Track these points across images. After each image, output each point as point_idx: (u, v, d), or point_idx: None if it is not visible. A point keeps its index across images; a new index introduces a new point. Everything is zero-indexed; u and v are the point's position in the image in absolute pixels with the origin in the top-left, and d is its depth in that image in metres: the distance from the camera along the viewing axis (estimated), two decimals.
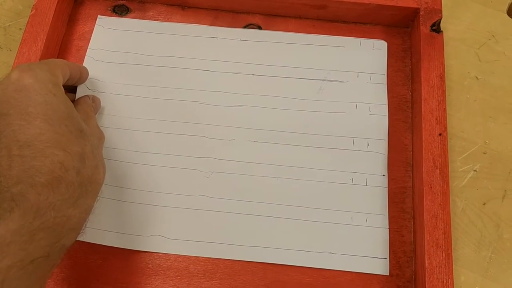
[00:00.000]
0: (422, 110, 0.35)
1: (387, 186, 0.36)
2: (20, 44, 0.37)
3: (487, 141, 0.39)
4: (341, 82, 0.39)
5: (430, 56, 0.37)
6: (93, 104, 0.35)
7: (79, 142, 0.28)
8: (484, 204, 0.37)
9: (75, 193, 0.26)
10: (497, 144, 0.39)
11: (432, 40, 0.37)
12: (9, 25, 0.43)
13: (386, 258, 0.34)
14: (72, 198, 0.26)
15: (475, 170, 0.38)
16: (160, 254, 0.34)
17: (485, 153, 0.38)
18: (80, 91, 0.37)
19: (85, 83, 0.38)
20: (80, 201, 0.27)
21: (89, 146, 0.28)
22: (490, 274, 0.35)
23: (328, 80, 0.39)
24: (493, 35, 0.42)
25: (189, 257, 0.34)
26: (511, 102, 0.40)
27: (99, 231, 0.34)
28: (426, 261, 0.31)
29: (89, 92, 0.38)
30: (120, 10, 0.42)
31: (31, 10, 0.38)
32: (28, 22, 0.38)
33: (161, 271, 0.33)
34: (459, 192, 0.37)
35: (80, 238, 0.34)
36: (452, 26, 0.42)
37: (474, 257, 0.35)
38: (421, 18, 0.38)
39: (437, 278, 0.31)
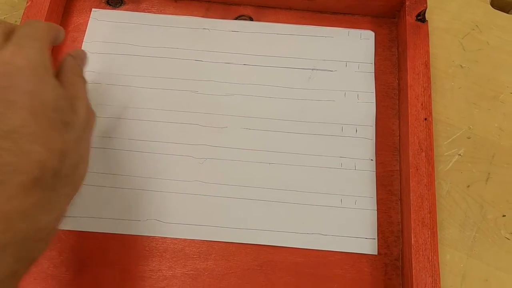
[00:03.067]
0: (408, 96, 0.36)
1: (375, 170, 0.37)
2: None
3: (471, 127, 0.40)
4: (330, 71, 0.40)
5: (415, 45, 0.38)
6: (81, 64, 0.31)
7: (62, 137, 0.25)
8: (468, 186, 0.38)
9: (50, 198, 0.24)
10: (481, 129, 0.40)
11: (417, 29, 0.39)
12: (4, 17, 0.43)
13: (374, 238, 0.35)
14: (47, 203, 0.24)
15: (459, 154, 0.39)
16: (156, 238, 0.35)
17: (469, 138, 0.40)
18: None
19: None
20: (55, 206, 0.24)
21: (73, 141, 0.26)
22: (475, 253, 0.36)
23: (317, 70, 0.40)
24: (476, 25, 0.44)
25: (185, 240, 0.35)
26: (494, 89, 0.41)
27: (96, 219, 0.35)
28: (413, 239, 0.32)
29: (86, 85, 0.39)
30: (114, 2, 0.42)
31: (27, 2, 0.39)
32: (23, 13, 0.39)
33: (158, 253, 0.34)
34: (444, 175, 0.38)
35: (77, 228, 0.35)
36: (437, 17, 0.44)
37: (459, 237, 0.37)
38: (407, 9, 0.39)
39: (423, 255, 0.32)
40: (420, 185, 0.34)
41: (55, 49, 0.41)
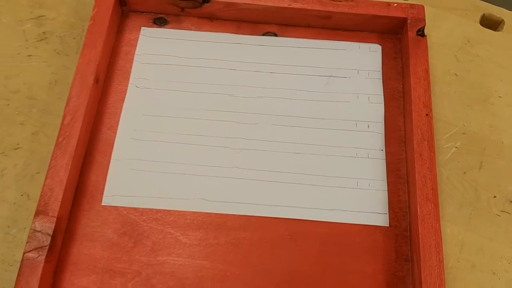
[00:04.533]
0: (412, 96, 0.44)
1: (385, 158, 0.44)
2: (82, 48, 0.45)
3: (465, 124, 0.47)
4: (344, 77, 0.48)
5: (416, 55, 0.46)
6: None
7: None
8: (465, 173, 0.45)
9: None
10: (474, 126, 0.47)
11: (418, 42, 0.46)
12: (64, 35, 0.51)
13: (386, 213, 0.42)
14: None
15: (456, 147, 0.46)
16: (203, 213, 0.42)
17: (464, 134, 0.47)
18: (131, 89, 0.46)
19: (133, 82, 0.47)
20: None
21: None
22: (471, 227, 0.43)
23: (333, 76, 0.48)
24: (468, 41, 0.51)
25: (226, 215, 0.41)
26: (484, 93, 0.49)
27: (152, 198, 0.42)
28: (418, 211, 0.39)
29: (138, 90, 0.46)
30: (159, 22, 0.50)
31: (90, 21, 0.46)
32: (88, 30, 0.46)
33: (204, 226, 0.41)
34: (444, 164, 0.45)
35: (136, 205, 0.42)
36: (434, 33, 0.51)
37: (457, 214, 0.43)
38: (408, 26, 0.47)
39: (427, 223, 0.38)
40: (424, 168, 0.41)
41: (111, 61, 0.48)
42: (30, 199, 0.43)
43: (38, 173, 0.44)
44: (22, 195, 0.43)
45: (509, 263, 0.41)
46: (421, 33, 0.47)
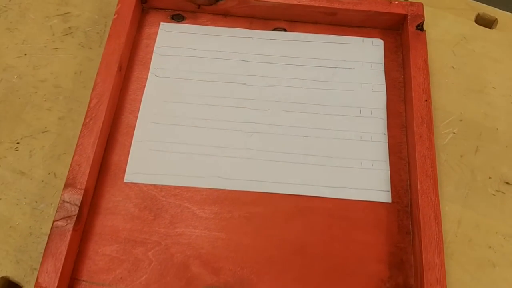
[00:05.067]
0: (412, 84, 0.47)
1: (387, 141, 0.47)
2: (107, 39, 0.49)
3: (462, 112, 0.50)
4: (349, 69, 0.51)
5: (416, 47, 0.49)
6: None
7: None
8: (462, 156, 0.48)
9: None
10: (470, 114, 0.50)
11: (417, 36, 0.50)
12: (88, 30, 0.55)
13: (388, 191, 0.45)
14: None
15: (454, 133, 0.49)
16: (218, 190, 0.45)
17: (461, 121, 0.50)
18: (151, 78, 0.49)
19: (153, 71, 0.50)
20: None
21: None
22: (468, 205, 0.46)
23: (339, 68, 0.51)
24: (464, 37, 0.55)
25: (240, 191, 0.45)
26: (480, 84, 0.52)
27: (171, 175, 0.45)
28: (419, 186, 0.42)
29: (157, 78, 0.50)
30: (177, 18, 0.54)
31: (114, 15, 0.50)
32: (112, 23, 0.50)
33: (219, 201, 0.44)
34: (442, 148, 0.48)
35: (156, 182, 0.45)
36: (433, 31, 0.55)
37: (455, 194, 0.46)
38: (408, 21, 0.51)
39: (427, 197, 0.41)
40: (423, 148, 0.44)
41: (133, 52, 0.52)
42: (57, 177, 0.46)
43: (64, 154, 0.47)
44: (49, 174, 0.46)
45: (504, 238, 0.44)
46: (420, 27, 0.50)
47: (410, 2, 0.52)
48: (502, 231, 0.45)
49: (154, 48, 0.52)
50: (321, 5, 0.51)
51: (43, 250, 0.41)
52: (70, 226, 0.40)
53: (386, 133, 0.48)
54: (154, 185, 0.45)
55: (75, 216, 0.40)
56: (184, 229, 0.43)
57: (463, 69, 0.53)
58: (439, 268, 0.39)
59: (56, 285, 0.38)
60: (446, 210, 0.45)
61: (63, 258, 0.39)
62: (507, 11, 0.57)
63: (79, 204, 0.41)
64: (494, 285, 0.42)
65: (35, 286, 0.38)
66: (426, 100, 0.46)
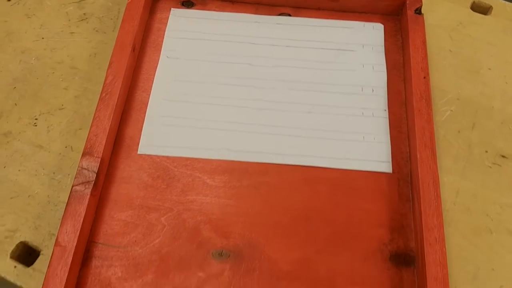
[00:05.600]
0: (411, 63, 0.50)
1: (387, 117, 0.50)
2: (122, 21, 0.52)
3: (459, 91, 0.53)
4: (351, 51, 0.54)
5: (415, 29, 0.52)
6: None
7: None
8: (459, 132, 0.50)
9: None
10: (467, 93, 0.53)
11: (416, 19, 0.53)
12: (102, 16, 0.58)
13: (389, 162, 0.47)
14: None
15: (451, 110, 0.52)
16: (227, 161, 0.47)
17: (458, 99, 0.52)
18: (163, 59, 0.52)
19: (164, 53, 0.53)
20: None
21: None
22: (465, 176, 0.48)
23: (341, 50, 0.54)
24: (460, 23, 0.58)
25: (248, 162, 0.47)
26: (476, 66, 0.55)
27: (183, 148, 0.47)
28: (418, 155, 0.44)
29: (169, 59, 0.53)
30: (187, 4, 0.57)
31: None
32: (126, 8, 0.52)
33: (228, 171, 0.46)
34: (441, 124, 0.51)
35: (167, 154, 0.47)
36: (431, 17, 0.58)
37: (453, 166, 0.48)
38: (407, 5, 0.53)
39: (426, 165, 0.44)
40: (422, 120, 0.46)
41: (145, 35, 0.54)
42: (73, 150, 0.49)
43: (80, 129, 0.50)
44: (66, 147, 0.49)
45: (500, 207, 0.46)
46: (418, 11, 0.53)
47: None
48: (499, 200, 0.47)
49: (166, 32, 0.55)
50: None
51: (61, 217, 0.43)
52: (88, 191, 0.42)
53: (387, 109, 0.50)
54: (166, 157, 0.47)
55: (93, 182, 0.43)
56: (195, 197, 0.45)
57: (459, 52, 0.55)
58: (438, 230, 0.41)
59: (75, 244, 0.40)
60: (445, 181, 0.47)
61: (81, 220, 0.41)
62: None
63: (96, 171, 0.43)
64: (491, 250, 0.44)
65: (55, 245, 0.40)
66: (424, 77, 0.49)
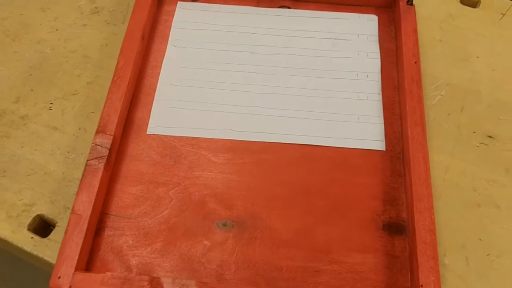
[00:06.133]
0: (403, 49, 0.53)
1: (381, 100, 0.53)
2: (132, 13, 0.55)
3: (449, 78, 0.56)
4: (347, 40, 0.57)
5: (406, 19, 0.55)
6: None
7: None
8: (448, 114, 0.54)
9: None
10: (456, 79, 0.56)
11: (407, 9, 0.56)
12: (112, 9, 0.61)
13: (382, 140, 0.50)
14: None
15: (441, 95, 0.55)
16: (230, 140, 0.50)
17: (448, 85, 0.56)
18: (170, 48, 0.55)
19: (171, 42, 0.56)
20: None
21: None
22: (454, 155, 0.51)
23: (338, 39, 0.57)
24: (450, 15, 0.61)
25: (250, 141, 0.50)
26: (464, 54, 0.58)
27: (189, 128, 0.50)
28: (409, 132, 0.47)
29: (176, 49, 0.56)
30: None
31: None
32: (135, 2, 0.56)
33: (232, 149, 0.49)
34: (431, 107, 0.54)
35: (175, 134, 0.50)
36: (422, 9, 0.61)
37: (443, 145, 0.51)
38: None
39: (416, 141, 0.47)
40: (413, 101, 0.49)
41: (154, 27, 0.58)
42: (86, 132, 0.52)
43: (92, 112, 0.53)
44: (79, 129, 0.52)
45: (488, 182, 0.49)
46: (410, 2, 0.56)
47: None
48: (486, 176, 0.50)
49: (172, 23, 0.58)
50: None
51: (75, 192, 0.46)
52: (101, 165, 0.45)
53: (381, 93, 0.53)
54: (174, 136, 0.50)
55: (106, 157, 0.46)
56: (201, 173, 0.48)
57: (449, 42, 0.59)
58: (427, 199, 0.44)
59: (89, 213, 0.43)
60: (435, 160, 0.50)
61: (95, 191, 0.44)
62: None
63: (109, 147, 0.46)
64: (478, 222, 0.47)
65: (71, 214, 0.43)
66: (415, 62, 0.52)
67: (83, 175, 0.45)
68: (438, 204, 0.48)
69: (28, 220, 0.47)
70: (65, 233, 0.42)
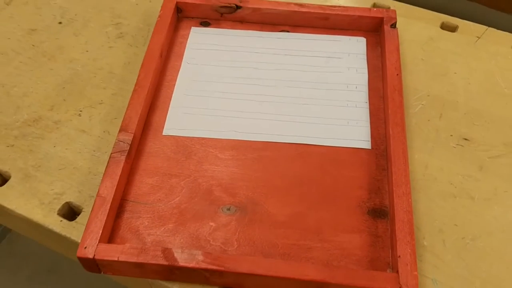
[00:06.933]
0: (387, 64, 0.61)
1: (368, 107, 0.60)
2: (152, 34, 0.64)
3: (429, 90, 0.63)
4: (339, 58, 0.65)
5: (390, 38, 0.63)
6: None
7: None
8: (428, 120, 0.61)
9: None
10: (436, 91, 0.63)
11: (391, 31, 0.64)
12: (135, 34, 0.70)
13: (368, 140, 0.57)
14: None
15: (422, 104, 0.62)
16: (234, 140, 0.57)
17: (428, 96, 0.63)
18: (184, 65, 0.64)
19: (185, 60, 0.65)
20: None
21: None
22: (433, 155, 0.57)
23: (331, 57, 0.65)
24: (431, 38, 0.69)
25: (252, 141, 0.57)
26: (444, 70, 0.65)
27: (197, 130, 0.58)
28: (391, 131, 0.54)
29: (190, 66, 0.65)
30: (204, 24, 0.69)
31: (158, 18, 0.66)
32: (156, 24, 0.65)
33: (236, 147, 0.57)
34: (413, 114, 0.61)
35: (184, 135, 0.58)
36: (406, 34, 0.69)
37: (423, 146, 0.58)
38: (384, 22, 0.65)
39: (397, 139, 0.53)
40: (394, 106, 0.57)
41: (170, 48, 0.67)
42: (110, 134, 0.60)
43: (115, 118, 0.61)
44: (104, 132, 0.60)
45: (463, 177, 0.56)
46: (393, 26, 0.65)
47: (386, 9, 0.67)
48: (462, 172, 0.56)
49: (187, 45, 0.67)
50: (317, 11, 0.66)
51: (99, 183, 0.53)
52: (123, 158, 0.53)
53: (368, 101, 0.61)
54: (186, 137, 0.58)
55: (127, 151, 0.53)
56: (208, 167, 0.55)
57: (430, 60, 0.67)
58: (405, 186, 0.50)
59: (112, 197, 0.50)
60: (416, 158, 0.57)
61: (117, 179, 0.51)
62: (467, 20, 0.71)
63: (129, 143, 0.54)
64: (454, 210, 0.53)
65: (96, 196, 0.50)
66: (397, 74, 0.59)
67: (107, 166, 0.52)
68: (418, 195, 0.54)
69: (58, 207, 0.54)
70: (91, 212, 0.49)
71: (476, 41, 0.69)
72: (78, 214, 0.54)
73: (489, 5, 0.78)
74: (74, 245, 0.52)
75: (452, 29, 0.70)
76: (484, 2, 0.77)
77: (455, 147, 0.58)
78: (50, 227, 0.53)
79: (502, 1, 0.76)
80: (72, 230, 0.52)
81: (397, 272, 0.45)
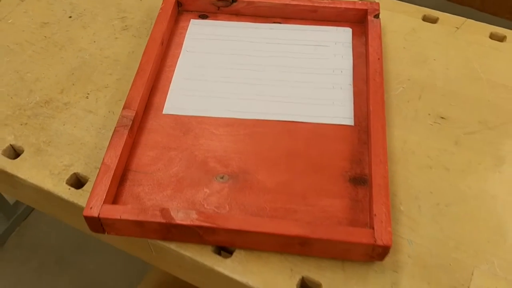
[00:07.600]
0: (369, 50, 0.66)
1: (352, 89, 0.65)
2: (154, 25, 0.70)
3: (410, 74, 0.69)
4: (326, 46, 0.71)
5: (373, 27, 0.69)
6: None
7: None
8: (408, 101, 0.66)
9: None
10: (416, 76, 0.68)
11: (374, 21, 0.70)
12: (139, 27, 0.76)
13: (352, 118, 0.62)
14: None
15: (403, 87, 0.67)
16: (228, 118, 0.62)
17: (409, 80, 0.68)
18: (183, 53, 0.70)
19: (185, 48, 0.71)
20: None
21: None
22: (412, 131, 0.62)
23: (319, 45, 0.71)
24: (413, 29, 0.75)
25: (244, 119, 0.62)
26: (424, 58, 0.70)
27: (197, 109, 0.63)
28: (371, 108, 0.59)
29: (189, 53, 0.70)
30: (203, 16, 0.75)
31: (159, 10, 0.72)
32: (157, 15, 0.71)
33: (230, 125, 0.62)
34: (394, 96, 0.66)
35: (184, 113, 0.63)
36: (389, 25, 0.75)
37: (402, 124, 0.63)
38: (368, 13, 0.71)
39: (376, 115, 0.58)
40: (375, 86, 0.62)
41: (170, 37, 0.72)
42: (114, 114, 0.65)
43: (120, 100, 0.66)
44: (109, 112, 0.65)
45: (438, 151, 0.60)
46: (376, 16, 0.70)
47: (370, 2, 0.72)
48: (438, 147, 0.61)
49: (186, 35, 0.73)
50: (306, 4, 0.72)
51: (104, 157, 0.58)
52: (126, 131, 0.58)
53: (352, 84, 0.66)
54: (184, 116, 0.63)
55: (129, 126, 0.59)
56: (204, 141, 0.60)
57: (412, 49, 0.72)
58: (383, 155, 0.55)
59: (115, 165, 0.55)
60: (395, 134, 0.62)
61: (121, 149, 0.56)
62: (447, 12, 0.76)
63: (132, 119, 0.59)
64: (430, 180, 0.58)
65: (101, 165, 0.55)
66: (378, 58, 0.65)
67: (111, 138, 0.58)
68: (397, 167, 0.59)
69: (66, 177, 0.59)
70: (96, 177, 0.54)
71: (456, 31, 0.74)
72: (85, 183, 0.59)
73: (467, 4, 0.83)
74: (80, 210, 0.57)
75: (433, 20, 0.76)
76: (461, 2, 0.82)
77: (432, 125, 0.63)
78: (60, 194, 0.58)
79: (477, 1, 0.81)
80: (79, 197, 0.57)
81: (373, 228, 0.50)
